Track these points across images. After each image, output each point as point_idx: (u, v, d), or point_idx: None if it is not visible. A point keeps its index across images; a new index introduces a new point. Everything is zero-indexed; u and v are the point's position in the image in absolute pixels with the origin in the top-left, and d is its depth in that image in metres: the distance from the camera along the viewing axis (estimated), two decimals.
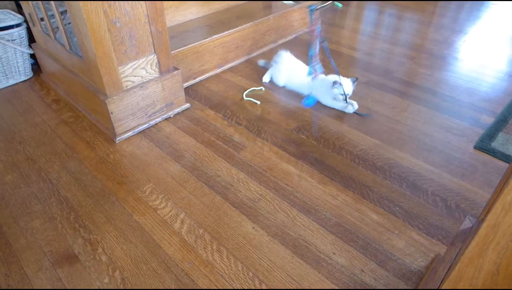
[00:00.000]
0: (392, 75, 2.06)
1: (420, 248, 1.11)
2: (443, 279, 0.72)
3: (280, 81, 1.93)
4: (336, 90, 1.68)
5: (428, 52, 2.34)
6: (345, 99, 1.68)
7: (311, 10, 1.23)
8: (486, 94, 1.87)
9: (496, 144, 1.51)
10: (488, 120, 1.67)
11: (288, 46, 2.41)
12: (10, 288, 1.02)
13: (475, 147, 1.50)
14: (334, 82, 1.67)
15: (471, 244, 0.58)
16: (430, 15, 3.00)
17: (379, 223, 1.19)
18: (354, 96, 1.82)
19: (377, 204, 1.26)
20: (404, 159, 1.45)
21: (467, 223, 0.93)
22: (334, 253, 1.09)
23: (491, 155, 1.46)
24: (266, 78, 1.98)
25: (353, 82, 1.71)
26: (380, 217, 1.21)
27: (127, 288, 1.01)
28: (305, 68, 1.88)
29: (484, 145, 1.50)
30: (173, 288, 1.00)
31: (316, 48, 1.51)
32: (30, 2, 1.69)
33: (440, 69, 2.13)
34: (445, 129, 1.61)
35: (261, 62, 2.12)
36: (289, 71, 1.90)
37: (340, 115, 1.71)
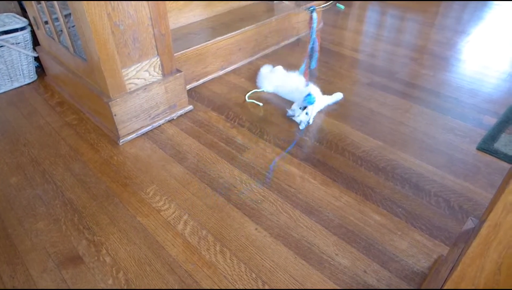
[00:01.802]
0: (394, 77, 2.06)
1: (423, 249, 1.11)
2: (445, 280, 0.72)
3: (269, 87, 1.93)
4: (301, 115, 1.63)
5: (430, 53, 2.34)
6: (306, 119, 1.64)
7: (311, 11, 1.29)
8: (489, 95, 1.87)
9: (499, 145, 1.50)
10: (491, 121, 1.66)
11: (290, 48, 2.42)
12: (14, 288, 1.02)
13: (477, 148, 1.50)
14: (306, 97, 1.62)
15: (473, 244, 0.59)
16: (432, 16, 2.99)
17: (382, 224, 1.19)
18: (357, 97, 1.83)
19: (380, 205, 1.26)
20: (406, 160, 1.45)
21: (469, 224, 0.93)
22: (337, 254, 1.10)
23: (493, 156, 1.46)
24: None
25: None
26: (383, 218, 1.21)
27: (131, 289, 1.02)
28: (293, 79, 1.86)
29: (486, 146, 1.50)
30: (177, 289, 1.01)
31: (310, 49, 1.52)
32: (34, 5, 1.70)
33: (443, 70, 2.13)
34: (448, 130, 1.61)
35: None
36: (279, 81, 1.89)
37: (343, 116, 1.71)
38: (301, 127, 1.63)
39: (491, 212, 0.56)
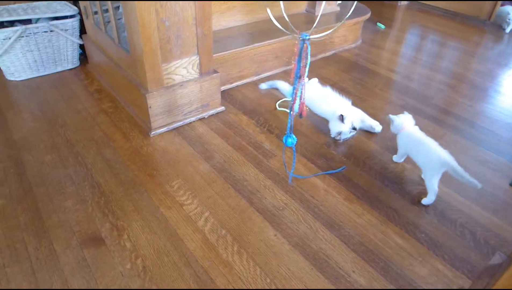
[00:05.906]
0: (429, 102, 2.03)
1: (443, 278, 1.08)
2: None
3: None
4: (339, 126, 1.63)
5: (469, 82, 2.29)
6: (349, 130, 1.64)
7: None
8: None
9: None
10: None
11: (326, 61, 2.43)
12: (38, 262, 1.06)
13: (510, 184, 1.45)
14: (340, 116, 1.61)
15: (502, 277, 0.57)
16: (474, 46, 2.93)
17: (403, 248, 1.16)
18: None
19: (403, 228, 1.23)
20: None
21: (496, 259, 0.90)
22: (354, 271, 1.08)
23: None
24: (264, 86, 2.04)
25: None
26: (405, 241, 1.19)
27: (147, 276, 1.04)
28: (326, 93, 1.85)
29: None
30: (193, 288, 1.02)
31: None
32: None
33: (481, 101, 2.08)
34: (481, 162, 1.57)
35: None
36: (312, 93, 1.87)
37: (372, 135, 1.69)
38: (341, 137, 1.64)
39: None
